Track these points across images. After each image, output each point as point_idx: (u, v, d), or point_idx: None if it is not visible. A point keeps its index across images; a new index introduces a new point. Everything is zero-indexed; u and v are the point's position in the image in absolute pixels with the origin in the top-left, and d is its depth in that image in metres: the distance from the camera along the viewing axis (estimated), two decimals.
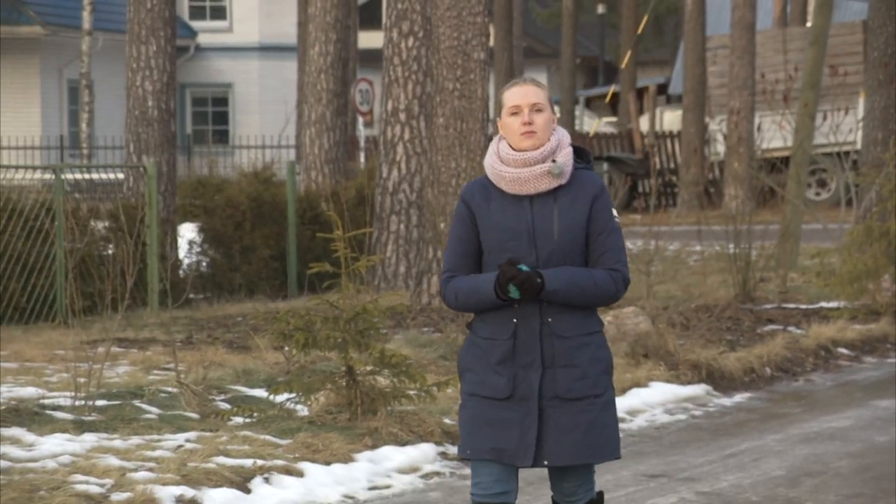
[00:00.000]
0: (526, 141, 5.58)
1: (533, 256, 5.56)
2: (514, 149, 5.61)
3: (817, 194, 30.72)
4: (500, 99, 5.67)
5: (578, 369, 5.60)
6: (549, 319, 5.58)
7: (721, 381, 12.18)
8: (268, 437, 9.24)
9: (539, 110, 5.59)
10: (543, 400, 5.58)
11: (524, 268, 5.50)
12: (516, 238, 5.58)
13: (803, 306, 16.14)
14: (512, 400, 5.59)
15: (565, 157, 5.60)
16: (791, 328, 14.57)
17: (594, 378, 5.64)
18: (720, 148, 31.15)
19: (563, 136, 5.64)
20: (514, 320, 5.59)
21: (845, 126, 26.62)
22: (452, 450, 9.50)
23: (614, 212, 5.69)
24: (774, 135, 27.08)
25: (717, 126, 31.49)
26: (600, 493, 5.77)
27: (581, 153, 5.68)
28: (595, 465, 5.73)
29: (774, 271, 17.65)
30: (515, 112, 5.59)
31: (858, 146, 25.23)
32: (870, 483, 8.75)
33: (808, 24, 28.92)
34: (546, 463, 5.56)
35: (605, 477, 8.93)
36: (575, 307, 5.60)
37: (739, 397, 11.91)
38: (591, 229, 5.61)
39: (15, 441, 8.97)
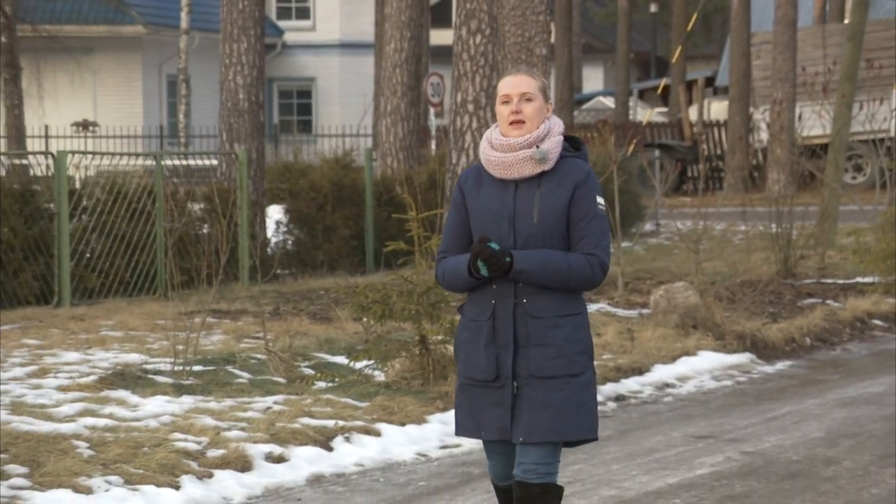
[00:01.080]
0: (514, 130, 5.34)
1: (511, 239, 5.32)
2: (503, 135, 5.39)
3: (853, 178, 30.41)
4: (497, 87, 5.45)
5: (553, 348, 5.31)
6: (524, 300, 5.32)
7: (764, 350, 12.10)
8: (348, 400, 9.27)
9: (529, 99, 5.34)
10: (520, 379, 5.31)
11: (494, 246, 5.29)
12: (497, 221, 5.34)
13: (840, 281, 15.99)
14: (498, 380, 5.34)
15: (551, 144, 5.34)
16: (829, 301, 14.45)
17: (569, 358, 5.33)
18: (763, 136, 30.88)
19: (555, 124, 5.39)
20: (493, 301, 5.35)
21: (880, 115, 26.34)
22: None
23: (600, 199, 5.38)
24: (814, 123, 26.82)
25: (760, 115, 31.23)
26: (560, 488, 5.41)
27: (574, 142, 5.44)
28: (572, 447, 5.48)
29: (813, 249, 17.50)
30: (506, 101, 5.36)
31: (892, 133, 24.95)
32: None
33: (846, 22, 28.59)
34: (521, 439, 5.31)
35: (656, 438, 8.91)
36: (551, 289, 5.32)
37: (781, 365, 11.83)
38: (572, 215, 5.33)
39: (121, 402, 9.05)
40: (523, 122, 5.33)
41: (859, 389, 10.60)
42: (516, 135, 5.34)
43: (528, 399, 5.31)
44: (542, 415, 5.29)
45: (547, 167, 5.34)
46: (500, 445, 5.43)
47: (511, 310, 5.35)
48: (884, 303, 14.20)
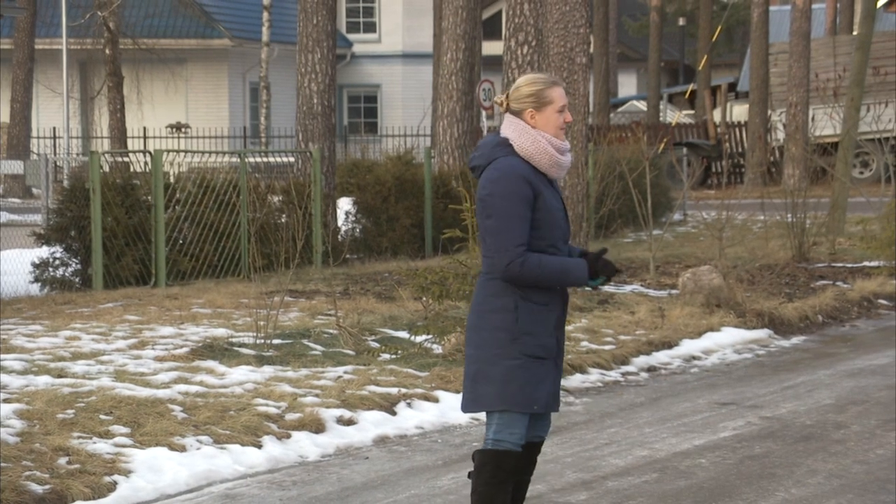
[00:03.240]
0: (563, 135, 5.17)
1: (569, 230, 5.19)
2: (555, 140, 5.14)
3: (861, 173, 30.09)
4: (541, 93, 5.13)
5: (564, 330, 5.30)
6: (565, 291, 5.22)
7: (781, 327, 12.01)
8: (409, 370, 9.28)
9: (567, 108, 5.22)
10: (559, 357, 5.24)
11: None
12: (563, 217, 5.14)
13: (849, 265, 15.85)
14: (552, 357, 5.18)
15: None
16: (839, 283, 14.31)
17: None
18: (780, 135, 30.61)
19: None
20: (559, 290, 5.17)
21: (885, 116, 26.01)
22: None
23: None
24: (826, 124, 26.55)
25: (777, 117, 30.96)
26: None
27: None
28: None
29: (825, 237, 17.35)
30: (562, 110, 5.14)
31: None
32: None
33: (855, 33, 28.28)
34: (557, 408, 5.25)
35: (683, 405, 8.86)
36: None
37: (796, 340, 11.74)
38: None
39: (210, 371, 9.10)
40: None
41: (866, 361, 10.50)
42: (563, 140, 5.19)
43: (559, 373, 5.27)
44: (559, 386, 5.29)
45: None
46: (527, 416, 5.20)
47: (566, 299, 5.26)
48: (888, 284, 14.06)
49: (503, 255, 5.04)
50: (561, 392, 9.35)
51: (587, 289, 5.07)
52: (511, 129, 5.17)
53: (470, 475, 5.28)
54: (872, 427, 8.10)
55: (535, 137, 5.13)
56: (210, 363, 9.32)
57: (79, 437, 7.19)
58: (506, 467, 5.18)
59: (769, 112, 31.21)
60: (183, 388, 8.47)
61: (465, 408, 5.23)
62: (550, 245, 5.12)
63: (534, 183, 5.09)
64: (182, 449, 7.24)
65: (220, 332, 10.69)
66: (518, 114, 5.18)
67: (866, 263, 15.77)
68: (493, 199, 5.05)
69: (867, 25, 19.81)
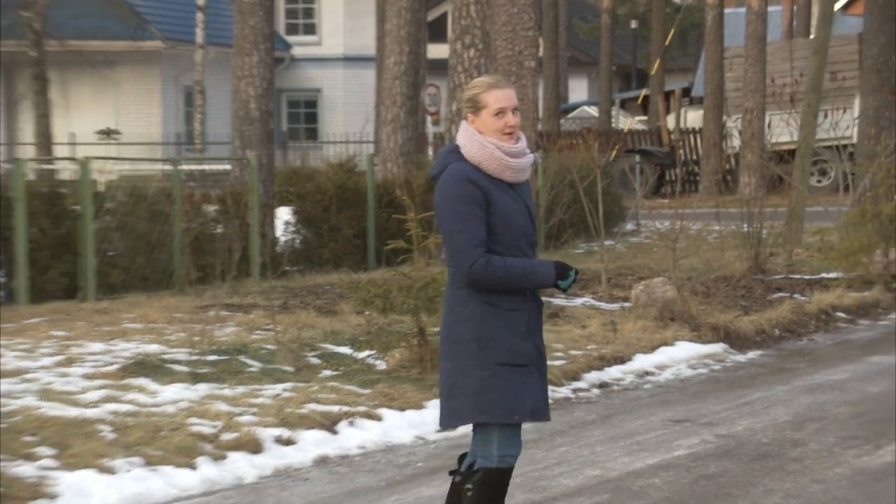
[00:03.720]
0: (509, 139, 5.17)
1: (534, 233, 5.26)
2: (501, 143, 5.19)
3: (819, 182, 30.41)
4: (476, 97, 5.19)
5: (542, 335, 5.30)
6: (536, 293, 5.26)
7: (736, 341, 12.10)
8: (351, 388, 9.26)
9: (516, 110, 5.23)
10: (541, 363, 5.24)
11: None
12: (523, 219, 5.19)
13: (807, 277, 16.00)
14: (532, 365, 5.17)
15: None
16: (796, 295, 14.44)
17: None
18: (736, 142, 30.89)
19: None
20: (527, 293, 5.20)
21: (843, 123, 26.34)
22: None
23: None
24: (782, 131, 26.82)
25: (733, 123, 31.23)
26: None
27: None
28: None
29: (782, 247, 17.50)
30: (500, 113, 5.16)
31: (854, 140, 24.94)
32: (864, 427, 8.67)
33: (812, 37, 28.60)
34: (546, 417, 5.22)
35: (636, 422, 8.90)
36: None
37: (752, 354, 11.83)
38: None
39: (141, 389, 9.03)
40: (516, 132, 5.21)
41: (824, 377, 10.60)
42: (513, 143, 5.21)
43: (544, 381, 5.25)
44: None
45: None
46: (519, 427, 5.18)
47: (538, 303, 5.26)
48: (847, 297, 14.21)
49: (463, 258, 5.08)
50: None
51: (558, 291, 5.09)
52: (461, 135, 5.24)
53: (453, 473, 5.28)
54: (830, 445, 8.18)
55: (481, 143, 5.18)
56: (141, 381, 9.26)
57: (1, 460, 7.12)
58: (506, 482, 5.22)
59: (724, 118, 31.48)
60: (113, 407, 8.40)
61: (444, 423, 5.21)
62: (510, 249, 5.15)
63: (483, 187, 5.13)
64: (111, 471, 7.18)
65: (153, 348, 10.62)
66: (467, 118, 5.26)
67: (824, 275, 15.93)
68: (445, 204, 5.12)
69: (824, 29, 20.05)
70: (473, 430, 5.25)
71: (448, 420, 5.20)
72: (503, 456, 5.19)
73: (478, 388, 5.11)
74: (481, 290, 5.12)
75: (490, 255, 5.10)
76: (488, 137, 5.19)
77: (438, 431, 5.36)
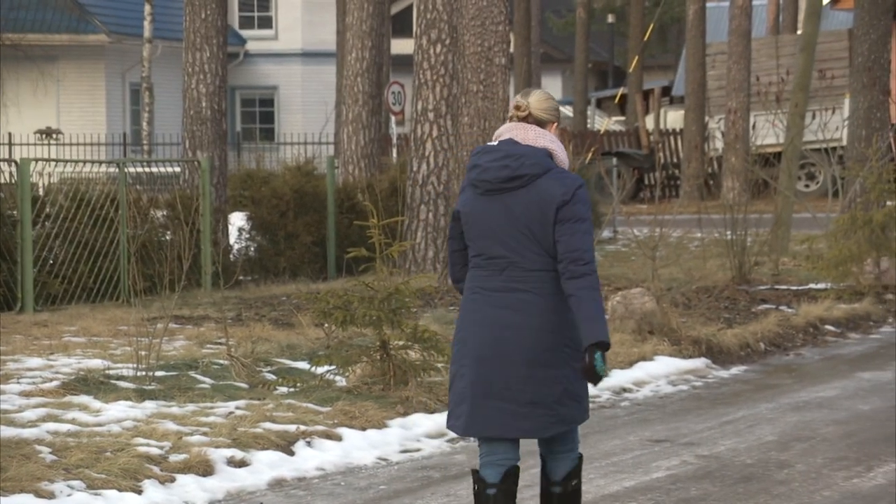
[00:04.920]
0: None
1: None
2: None
3: (806, 186, 30.59)
4: (559, 108, 5.85)
5: None
6: None
7: (719, 355, 12.14)
8: (309, 405, 9.25)
9: None
10: None
11: None
12: None
13: (794, 287, 16.07)
14: None
15: None
16: (783, 307, 14.51)
17: None
18: (719, 144, 31.02)
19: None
20: None
21: (832, 124, 26.50)
22: None
23: None
24: (768, 132, 26.98)
25: (715, 124, 31.37)
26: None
27: None
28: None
29: (768, 256, 17.59)
30: None
31: (844, 143, 25.10)
32: (854, 447, 8.72)
33: (799, 33, 28.77)
34: None
35: (612, 442, 8.92)
36: None
37: (736, 370, 11.88)
38: None
39: (83, 407, 9.00)
40: None
41: (812, 394, 10.65)
42: None
43: None
44: None
45: None
46: None
47: None
48: (836, 309, 14.29)
49: (592, 255, 5.67)
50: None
51: (596, 363, 5.58)
52: (550, 141, 5.76)
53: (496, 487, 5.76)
54: (818, 466, 8.22)
55: (566, 152, 5.79)
56: (84, 398, 9.22)
57: None
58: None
59: (706, 119, 31.62)
60: (52, 426, 8.37)
61: (547, 430, 5.72)
62: None
63: None
64: (50, 496, 7.15)
65: (96, 363, 10.57)
66: (542, 124, 5.79)
67: (812, 286, 16.02)
68: (586, 206, 5.67)
69: (812, 24, 20.17)
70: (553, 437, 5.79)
71: (555, 426, 5.70)
72: (579, 444, 5.93)
73: (585, 392, 5.77)
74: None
75: None
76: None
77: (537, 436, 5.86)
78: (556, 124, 5.79)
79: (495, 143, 5.77)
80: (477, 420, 5.66)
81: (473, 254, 5.75)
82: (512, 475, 5.76)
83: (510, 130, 5.76)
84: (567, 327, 5.64)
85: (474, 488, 5.79)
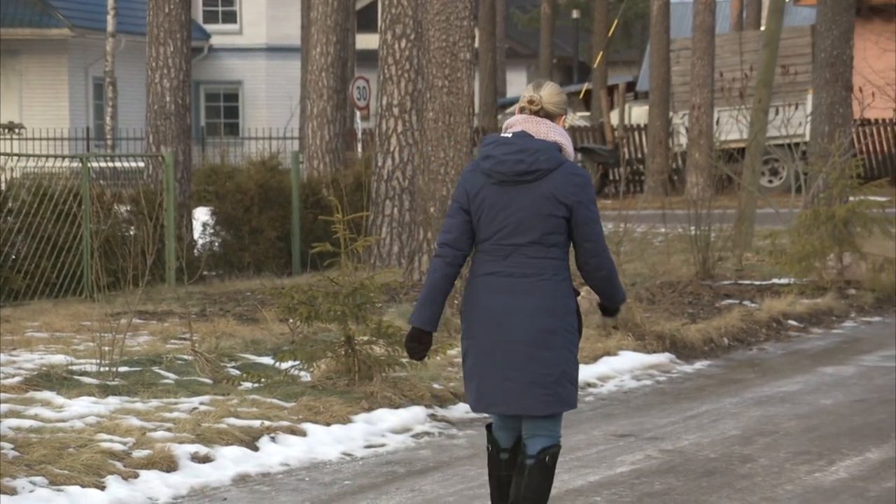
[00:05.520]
0: None
1: None
2: None
3: (770, 182, 30.72)
4: (568, 102, 6.17)
5: None
6: None
7: (683, 350, 12.18)
8: (274, 401, 9.23)
9: None
10: None
11: None
12: None
13: (757, 283, 16.14)
14: None
15: None
16: (746, 302, 14.58)
17: None
18: (683, 140, 31.12)
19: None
20: None
21: (795, 120, 26.62)
22: (441, 412, 9.50)
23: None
24: (732, 128, 27.06)
25: (679, 120, 31.47)
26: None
27: None
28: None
29: (731, 251, 17.65)
30: None
31: (807, 138, 25.20)
32: (816, 441, 8.77)
33: (762, 28, 28.89)
34: None
35: (577, 437, 8.94)
36: None
37: (699, 364, 11.92)
38: None
39: (46, 403, 8.95)
40: None
41: (774, 388, 10.71)
42: None
43: None
44: None
45: None
46: None
47: None
48: (798, 303, 14.36)
49: (606, 243, 6.02)
50: (443, 423, 9.37)
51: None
52: (559, 134, 5.98)
53: (505, 453, 6.09)
54: (781, 460, 8.26)
55: (572, 144, 6.05)
56: (46, 394, 9.18)
57: None
58: None
59: (671, 114, 31.70)
60: (14, 422, 8.32)
61: (544, 409, 5.95)
62: None
63: None
64: (12, 492, 7.11)
65: (59, 358, 10.52)
66: (551, 117, 6.02)
67: (775, 281, 16.08)
68: (594, 201, 5.97)
69: (775, 20, 20.25)
70: (537, 417, 5.97)
71: (554, 405, 5.94)
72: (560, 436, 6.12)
73: (578, 376, 6.03)
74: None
75: None
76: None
77: (537, 415, 6.05)
78: (563, 117, 6.03)
79: (508, 134, 5.98)
80: (484, 397, 5.97)
81: (482, 238, 5.97)
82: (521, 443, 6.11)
83: (523, 123, 5.98)
84: (566, 312, 5.93)
85: (488, 448, 6.15)
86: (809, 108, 24.42)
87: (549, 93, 6.00)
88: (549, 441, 6.02)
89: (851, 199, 16.07)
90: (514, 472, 6.04)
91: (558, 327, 5.92)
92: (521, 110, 6.01)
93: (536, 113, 5.99)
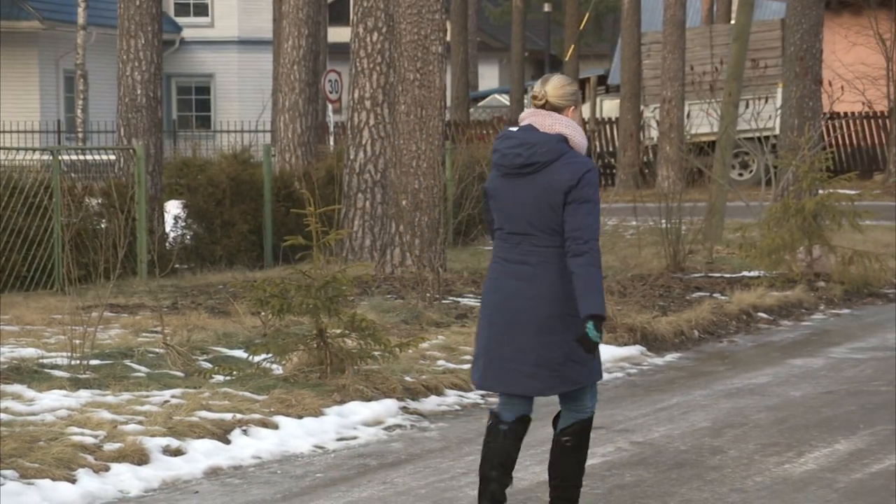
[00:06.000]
0: None
1: None
2: None
3: (740, 175, 30.82)
4: (577, 93, 6.29)
5: None
6: None
7: (654, 343, 12.22)
8: (246, 394, 9.22)
9: None
10: None
11: None
12: None
13: (727, 275, 16.20)
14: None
15: None
16: (716, 295, 14.63)
17: None
18: (654, 133, 31.19)
19: None
20: None
21: (765, 113, 26.71)
22: (413, 404, 9.51)
23: None
24: (702, 121, 27.15)
25: (650, 113, 31.54)
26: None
27: None
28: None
29: (702, 244, 17.71)
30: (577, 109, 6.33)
31: (777, 132, 25.31)
32: (785, 433, 8.81)
33: (732, 22, 28.96)
34: None
35: (548, 429, 8.94)
36: None
37: (670, 357, 11.96)
38: None
39: (16, 396, 8.92)
40: None
41: (744, 380, 10.75)
42: None
43: None
44: None
45: None
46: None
47: None
48: (768, 296, 14.42)
49: (597, 234, 6.17)
50: (415, 416, 9.37)
51: (589, 332, 6.14)
52: (566, 126, 6.23)
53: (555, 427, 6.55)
54: (750, 452, 8.29)
55: (582, 133, 6.27)
56: (17, 387, 9.14)
57: None
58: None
59: (642, 108, 31.77)
60: None
61: (551, 390, 6.35)
62: None
63: None
64: None
65: (29, 352, 10.48)
66: (558, 110, 6.28)
67: (745, 273, 16.14)
68: (593, 188, 6.16)
69: (745, 14, 20.31)
70: (567, 393, 6.39)
71: (559, 386, 6.31)
72: (593, 406, 6.49)
73: (586, 355, 6.23)
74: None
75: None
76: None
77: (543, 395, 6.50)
78: (573, 108, 6.28)
79: (515, 128, 6.32)
80: (489, 376, 6.33)
81: (496, 227, 6.36)
82: (524, 421, 6.45)
83: (530, 117, 6.29)
84: (571, 298, 6.17)
85: (488, 423, 6.44)
86: (779, 102, 24.53)
87: (554, 86, 6.27)
88: (575, 418, 6.44)
89: (821, 192, 16.14)
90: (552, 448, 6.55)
91: (563, 312, 6.18)
92: (533, 104, 6.35)
93: (542, 107, 6.27)
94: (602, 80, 39.18)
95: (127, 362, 10.08)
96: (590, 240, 6.11)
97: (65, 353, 9.99)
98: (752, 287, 14.83)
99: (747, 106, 23.17)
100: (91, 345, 9.95)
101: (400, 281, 14.71)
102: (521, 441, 6.52)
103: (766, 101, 25.89)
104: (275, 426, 8.62)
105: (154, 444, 7.95)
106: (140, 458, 7.78)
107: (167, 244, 16.71)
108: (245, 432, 8.44)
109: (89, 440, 7.88)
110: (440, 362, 10.71)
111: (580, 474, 6.54)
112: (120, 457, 7.73)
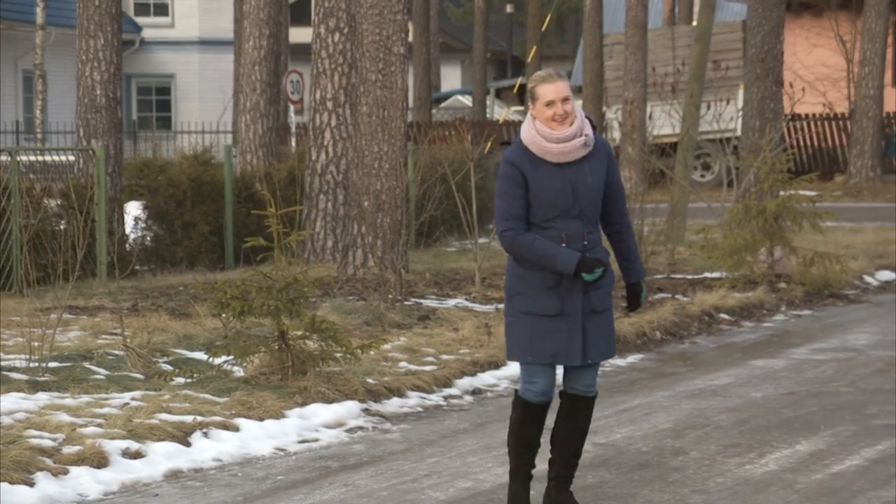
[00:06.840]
0: (558, 125, 6.47)
1: (577, 207, 6.50)
2: (549, 130, 6.48)
3: (702, 176, 30.95)
4: (532, 90, 6.51)
5: (604, 290, 6.63)
6: (587, 255, 6.53)
7: (616, 344, 12.20)
8: (206, 396, 9.19)
9: (567, 99, 6.49)
10: (583, 315, 6.58)
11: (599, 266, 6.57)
12: (564, 194, 6.48)
13: (689, 276, 16.26)
14: (560, 316, 6.55)
15: (590, 131, 6.56)
16: (678, 296, 14.68)
17: (610, 295, 6.72)
18: (616, 134, 31.28)
19: (582, 113, 6.58)
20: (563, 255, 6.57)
21: (727, 115, 26.84)
22: (375, 406, 9.49)
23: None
24: (664, 123, 27.23)
25: (613, 115, 31.63)
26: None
27: (592, 123, 6.64)
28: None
29: (664, 245, 17.77)
30: (549, 104, 6.47)
31: (738, 133, 25.41)
32: (746, 434, 8.85)
33: (694, 24, 29.08)
34: (589, 361, 6.66)
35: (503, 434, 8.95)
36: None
37: (632, 358, 11.99)
38: (608, 180, 6.61)
39: None
40: (566, 120, 6.49)
41: (706, 382, 10.79)
42: (563, 129, 6.49)
43: (593, 329, 6.64)
44: (603, 340, 6.69)
45: (590, 149, 6.57)
46: (548, 369, 6.68)
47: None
48: (730, 297, 14.48)
49: (498, 225, 6.54)
50: (377, 418, 9.35)
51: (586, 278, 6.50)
52: (525, 120, 6.62)
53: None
54: (712, 453, 8.32)
55: (528, 128, 6.54)
56: None
57: None
58: (529, 413, 6.76)
59: (604, 109, 31.85)
60: None
61: (612, 355, 6.93)
62: (542, 222, 6.51)
63: (523, 167, 6.51)
64: None
65: None
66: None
67: (707, 275, 16.20)
68: (497, 179, 6.57)
69: (707, 15, 20.39)
70: (593, 366, 6.86)
71: (611, 353, 6.83)
72: (524, 389, 6.72)
73: (507, 331, 6.67)
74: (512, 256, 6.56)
75: (522, 231, 6.48)
76: (538, 123, 6.52)
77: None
78: (532, 104, 6.56)
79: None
80: (546, 349, 6.64)
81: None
82: (547, 404, 6.81)
83: None
84: (506, 275, 6.65)
85: (520, 408, 6.77)
86: (741, 103, 24.63)
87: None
88: (595, 387, 6.95)
89: (782, 193, 16.22)
90: (563, 415, 6.87)
91: (505, 289, 6.71)
92: None
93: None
94: None
95: (86, 364, 10.02)
96: (498, 233, 6.54)
97: (23, 356, 9.92)
98: (714, 288, 14.89)
99: (709, 107, 23.27)
100: (50, 347, 9.89)
101: (362, 282, 14.69)
102: (544, 423, 6.95)
103: (728, 103, 26.03)
104: (236, 428, 8.59)
105: (114, 446, 7.91)
106: (99, 460, 7.75)
107: (127, 245, 16.64)
108: (206, 435, 8.41)
109: (48, 443, 7.83)
110: (402, 364, 10.70)
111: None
112: (79, 460, 7.69)
